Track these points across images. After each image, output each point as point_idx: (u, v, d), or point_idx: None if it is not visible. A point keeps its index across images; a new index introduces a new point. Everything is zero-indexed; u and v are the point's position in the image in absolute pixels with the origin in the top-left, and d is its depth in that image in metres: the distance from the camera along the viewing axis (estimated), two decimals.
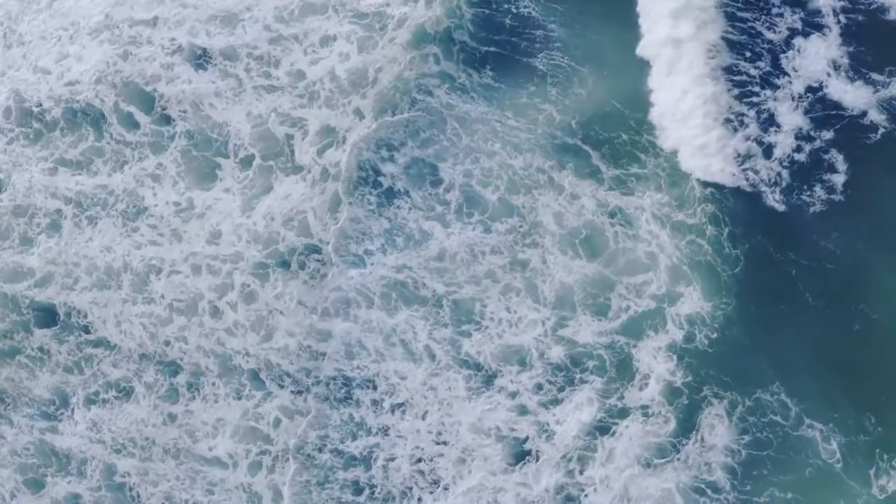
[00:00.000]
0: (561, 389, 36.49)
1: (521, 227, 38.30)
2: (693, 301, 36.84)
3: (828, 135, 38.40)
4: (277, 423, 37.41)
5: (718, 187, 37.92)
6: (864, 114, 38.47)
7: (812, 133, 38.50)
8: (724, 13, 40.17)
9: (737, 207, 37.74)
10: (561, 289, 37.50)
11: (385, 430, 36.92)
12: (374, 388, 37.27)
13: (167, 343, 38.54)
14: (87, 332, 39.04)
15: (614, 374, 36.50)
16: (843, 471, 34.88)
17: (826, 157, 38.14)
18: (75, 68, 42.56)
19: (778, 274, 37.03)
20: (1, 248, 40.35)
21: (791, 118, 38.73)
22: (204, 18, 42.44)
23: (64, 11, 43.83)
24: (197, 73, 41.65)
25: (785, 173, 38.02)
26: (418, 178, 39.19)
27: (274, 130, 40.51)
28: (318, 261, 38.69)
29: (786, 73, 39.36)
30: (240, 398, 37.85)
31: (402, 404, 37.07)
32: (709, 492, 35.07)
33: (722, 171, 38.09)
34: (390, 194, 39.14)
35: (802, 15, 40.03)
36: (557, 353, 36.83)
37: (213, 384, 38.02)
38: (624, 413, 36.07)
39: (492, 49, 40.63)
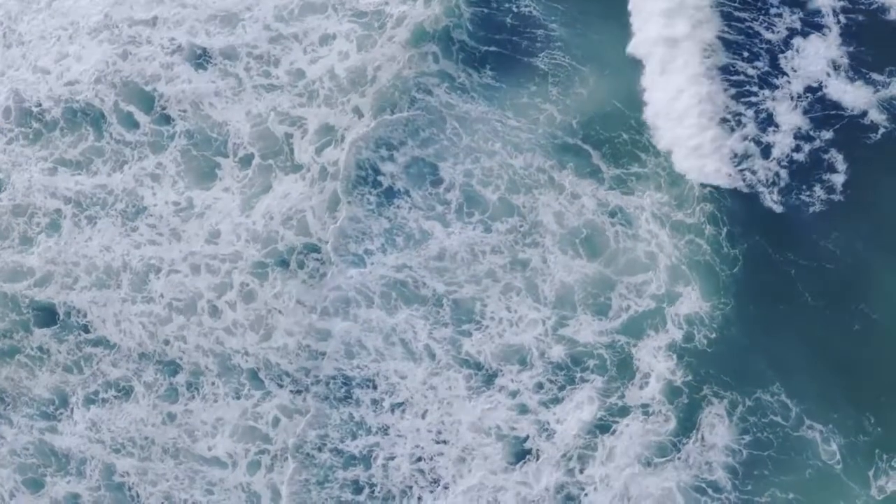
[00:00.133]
0: (561, 388, 36.48)
1: (521, 226, 38.30)
2: (692, 301, 36.85)
3: (827, 134, 38.41)
4: (276, 422, 37.38)
5: (717, 187, 37.92)
6: (864, 113, 38.48)
7: (811, 133, 38.51)
8: (720, 13, 40.21)
9: (735, 207, 37.75)
10: (561, 288, 37.49)
11: (385, 430, 36.89)
12: (374, 387, 37.24)
13: (166, 342, 38.52)
14: (87, 331, 39.01)
15: (615, 372, 36.49)
16: (843, 472, 34.85)
17: (826, 156, 38.16)
18: (75, 68, 42.54)
19: (777, 274, 37.04)
20: (1, 247, 40.31)
21: (790, 118, 38.73)
22: (203, 18, 42.45)
23: (63, 11, 43.82)
24: (197, 73, 41.66)
25: (784, 173, 38.02)
26: (418, 178, 39.19)
27: (273, 129, 40.52)
28: (318, 260, 38.69)
29: (784, 73, 39.37)
30: (239, 398, 37.83)
31: (401, 403, 37.05)
32: (710, 491, 35.04)
33: (717, 171, 38.07)
34: (390, 194, 39.14)
35: (801, 15, 40.05)
36: (558, 352, 36.82)
37: (213, 383, 38.00)
38: (624, 411, 36.06)
39: (492, 48, 40.64)
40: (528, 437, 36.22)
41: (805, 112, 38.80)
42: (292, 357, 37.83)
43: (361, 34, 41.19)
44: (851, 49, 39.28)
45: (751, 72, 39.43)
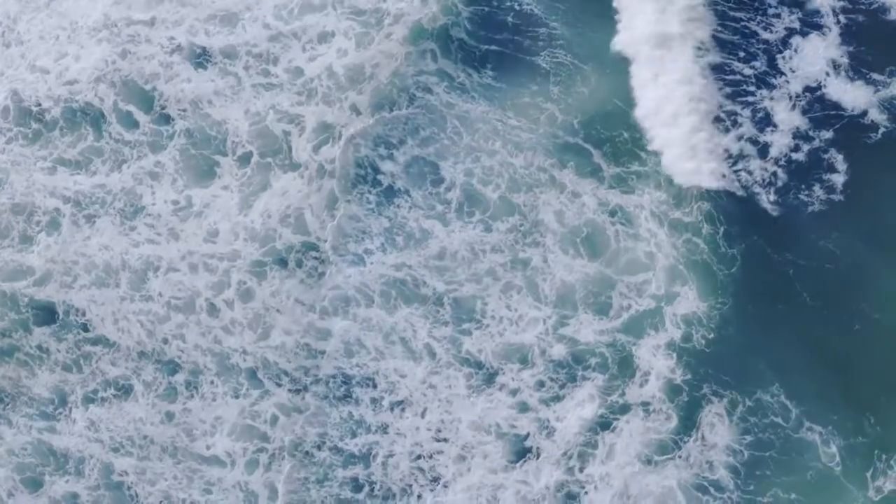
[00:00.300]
0: (563, 386, 36.42)
1: (522, 225, 38.30)
2: (689, 301, 36.82)
3: (827, 134, 38.46)
4: (275, 420, 37.29)
5: (709, 187, 37.92)
6: (864, 113, 38.55)
7: (810, 132, 38.56)
8: (715, 11, 40.31)
9: (732, 206, 37.77)
10: (562, 287, 37.47)
11: (384, 428, 36.82)
12: (374, 385, 37.18)
13: (165, 341, 38.46)
14: (86, 330, 38.94)
15: (616, 370, 36.44)
16: (842, 474, 34.73)
17: (825, 156, 38.20)
18: (74, 67, 42.55)
19: (775, 274, 37.03)
20: (0, 246, 40.27)
21: (788, 117, 38.79)
22: (203, 17, 42.51)
23: (62, 10, 43.88)
24: (196, 72, 41.69)
25: (782, 173, 38.05)
26: (419, 177, 39.19)
27: (272, 128, 40.55)
28: (316, 258, 38.67)
29: (783, 73, 39.45)
30: (237, 396, 37.76)
31: (401, 402, 36.99)
32: (712, 490, 34.92)
33: (711, 172, 38.03)
34: (390, 193, 39.14)
35: (801, 15, 40.17)
36: (559, 350, 36.76)
37: (212, 382, 37.93)
38: (625, 409, 35.98)
39: (492, 47, 40.71)
40: (528, 435, 36.14)
41: (804, 112, 38.86)
42: (291, 356, 37.77)
43: (360, 31, 41.25)
44: (851, 49, 39.36)
45: (748, 71, 39.54)
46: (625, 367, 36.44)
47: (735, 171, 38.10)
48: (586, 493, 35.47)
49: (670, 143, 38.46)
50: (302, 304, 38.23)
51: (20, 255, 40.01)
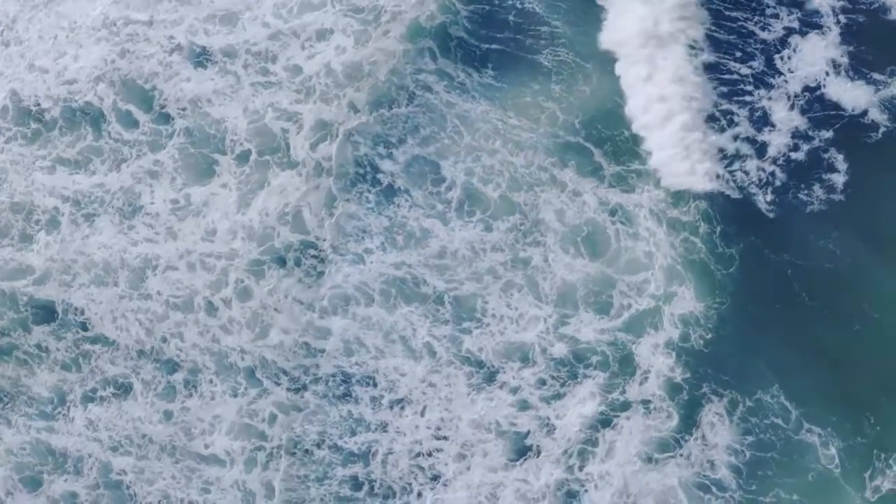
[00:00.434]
0: (563, 384, 36.40)
1: (522, 224, 38.28)
2: (686, 301, 36.81)
3: (826, 134, 38.47)
4: (273, 419, 37.24)
5: (704, 188, 37.95)
6: (864, 113, 38.58)
7: (810, 132, 38.58)
8: (710, 10, 40.36)
9: (729, 206, 37.77)
10: (563, 286, 37.45)
11: (384, 426, 36.77)
12: (374, 384, 37.15)
13: (164, 340, 38.42)
14: (85, 328, 38.91)
15: (617, 368, 36.43)
16: (842, 476, 34.70)
17: (825, 156, 38.21)
18: (73, 67, 42.53)
19: (774, 274, 37.03)
20: (0, 245, 40.26)
21: (787, 117, 38.78)
22: (202, 17, 42.51)
23: (61, 10, 43.86)
24: (196, 71, 41.68)
25: (780, 172, 38.05)
26: (419, 176, 39.18)
27: (270, 126, 40.53)
28: (315, 257, 38.64)
29: (781, 73, 39.46)
30: (236, 395, 37.72)
31: (401, 400, 36.95)
32: (714, 489, 34.87)
33: (706, 173, 37.98)
34: (390, 192, 39.13)
35: (800, 15, 40.20)
36: (560, 349, 36.75)
37: (210, 381, 37.89)
38: (625, 406, 35.95)
39: (493, 46, 40.72)
40: (528, 433, 36.10)
41: (803, 111, 38.88)
42: (289, 355, 37.73)
43: (358, 29, 41.27)
44: (851, 49, 39.40)
45: (745, 71, 39.55)
46: (625, 365, 36.43)
47: (731, 172, 38.09)
48: (586, 491, 35.44)
49: (663, 144, 38.46)
50: (300, 303, 38.20)
51: (19, 254, 39.99)
